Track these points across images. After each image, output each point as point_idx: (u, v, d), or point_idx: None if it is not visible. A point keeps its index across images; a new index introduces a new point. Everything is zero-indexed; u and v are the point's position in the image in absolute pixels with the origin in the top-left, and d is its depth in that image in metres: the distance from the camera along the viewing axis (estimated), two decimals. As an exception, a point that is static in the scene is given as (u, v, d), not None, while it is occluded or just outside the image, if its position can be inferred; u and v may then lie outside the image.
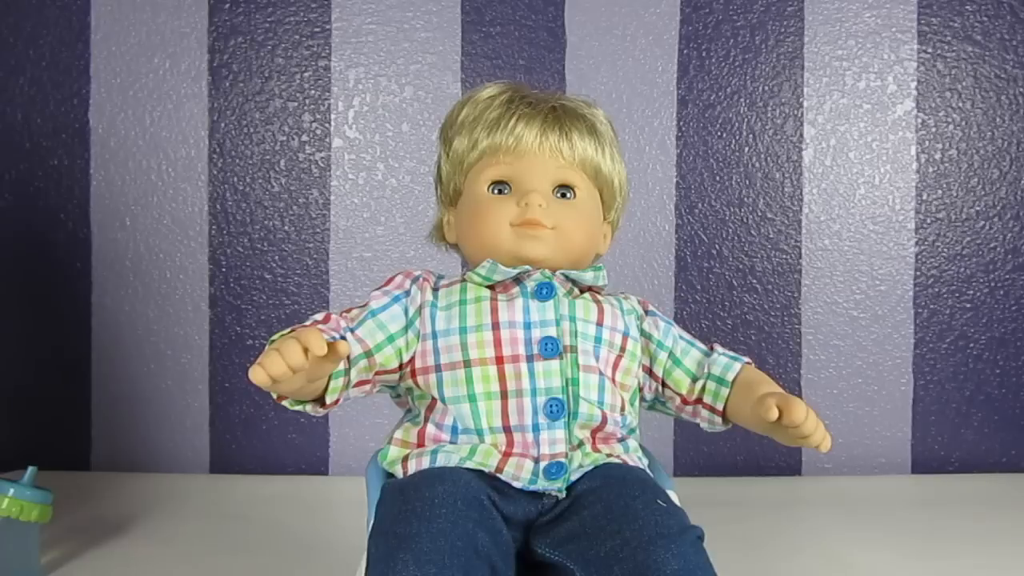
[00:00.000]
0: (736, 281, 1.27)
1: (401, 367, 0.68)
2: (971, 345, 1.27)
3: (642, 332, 0.72)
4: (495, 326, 0.67)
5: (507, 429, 0.65)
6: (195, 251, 1.28)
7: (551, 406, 0.65)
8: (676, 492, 0.68)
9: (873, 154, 1.27)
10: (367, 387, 0.68)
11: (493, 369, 0.66)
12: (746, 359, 0.71)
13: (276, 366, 0.55)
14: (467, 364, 0.66)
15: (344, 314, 0.67)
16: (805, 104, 1.27)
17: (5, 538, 0.82)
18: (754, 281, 1.27)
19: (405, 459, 0.67)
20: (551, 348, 0.66)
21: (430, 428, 0.67)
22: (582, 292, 0.71)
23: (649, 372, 0.72)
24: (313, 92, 1.27)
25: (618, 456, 0.68)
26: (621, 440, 0.69)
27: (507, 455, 0.65)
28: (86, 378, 1.28)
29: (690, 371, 0.71)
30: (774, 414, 0.60)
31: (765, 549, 0.93)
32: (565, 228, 0.70)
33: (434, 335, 0.67)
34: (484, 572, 0.56)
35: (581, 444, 0.67)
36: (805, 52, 1.26)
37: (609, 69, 1.26)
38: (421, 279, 0.70)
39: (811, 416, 0.61)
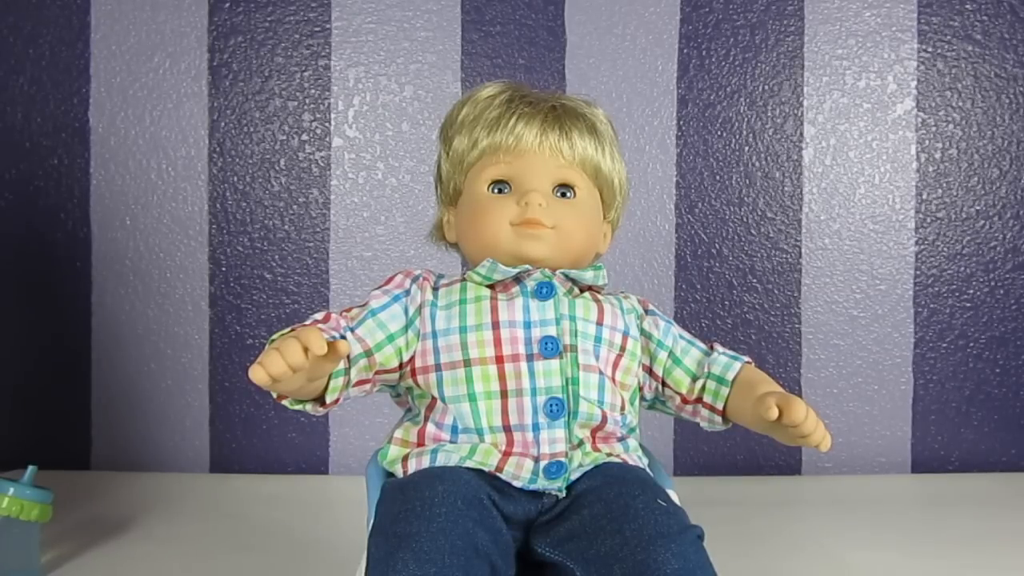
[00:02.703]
0: (736, 281, 1.27)
1: (401, 366, 0.68)
2: (971, 344, 1.27)
3: (642, 331, 0.72)
4: (495, 325, 0.67)
5: (507, 428, 0.65)
6: (195, 250, 1.28)
7: (551, 405, 0.65)
8: (676, 492, 0.68)
9: (873, 153, 1.27)
10: (367, 386, 0.68)
11: (493, 368, 0.66)
12: (746, 358, 0.71)
13: (276, 365, 0.55)
14: (467, 363, 0.66)
15: (344, 313, 0.67)
16: (805, 103, 1.27)
17: (5, 537, 0.82)
18: (754, 281, 1.26)
19: (405, 458, 0.67)
20: (551, 347, 0.66)
21: (430, 427, 0.67)
22: (582, 291, 0.71)
23: (649, 371, 0.72)
24: (313, 91, 1.27)
25: (618, 455, 0.68)
26: (621, 439, 0.69)
27: (507, 454, 0.65)
28: (86, 377, 1.28)
29: (690, 370, 0.71)
30: (774, 413, 0.60)
31: (765, 549, 0.92)
32: (565, 227, 0.70)
33: (434, 334, 0.67)
34: (484, 571, 0.56)
35: (581, 443, 0.67)
36: (805, 51, 1.26)
37: (609, 69, 1.26)
38: (421, 278, 0.70)
39: (811, 415, 0.61)
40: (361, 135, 1.27)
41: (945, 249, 1.27)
